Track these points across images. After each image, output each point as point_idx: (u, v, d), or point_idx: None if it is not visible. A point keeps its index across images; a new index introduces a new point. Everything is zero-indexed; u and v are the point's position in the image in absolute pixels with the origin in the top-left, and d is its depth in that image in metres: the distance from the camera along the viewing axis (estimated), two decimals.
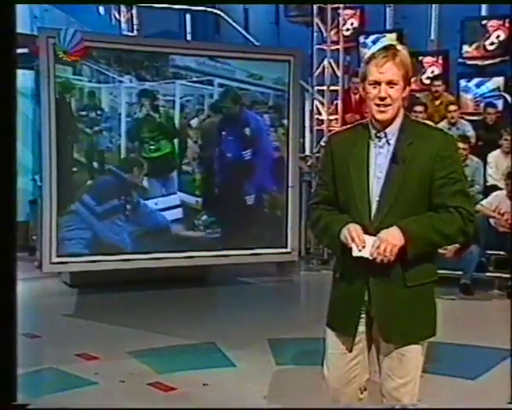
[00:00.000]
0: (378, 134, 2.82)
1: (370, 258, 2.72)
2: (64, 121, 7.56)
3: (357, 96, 9.39)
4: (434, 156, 2.77)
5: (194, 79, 8.18)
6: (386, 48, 2.80)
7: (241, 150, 8.45)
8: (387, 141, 2.82)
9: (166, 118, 8.09)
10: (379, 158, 2.81)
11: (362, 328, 2.91)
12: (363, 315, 2.88)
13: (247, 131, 8.46)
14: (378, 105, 2.76)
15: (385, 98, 2.75)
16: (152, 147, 8.04)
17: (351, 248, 2.76)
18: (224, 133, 8.37)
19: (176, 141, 8.16)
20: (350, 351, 2.93)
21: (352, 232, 2.74)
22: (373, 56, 2.78)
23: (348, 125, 3.16)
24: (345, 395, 3.01)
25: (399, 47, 2.84)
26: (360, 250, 2.72)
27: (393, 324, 2.83)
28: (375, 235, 2.75)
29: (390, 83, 2.75)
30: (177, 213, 8.18)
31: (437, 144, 2.79)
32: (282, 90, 8.57)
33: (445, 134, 2.95)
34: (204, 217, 8.30)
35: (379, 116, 2.78)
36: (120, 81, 7.86)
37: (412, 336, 2.86)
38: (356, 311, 2.87)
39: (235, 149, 8.41)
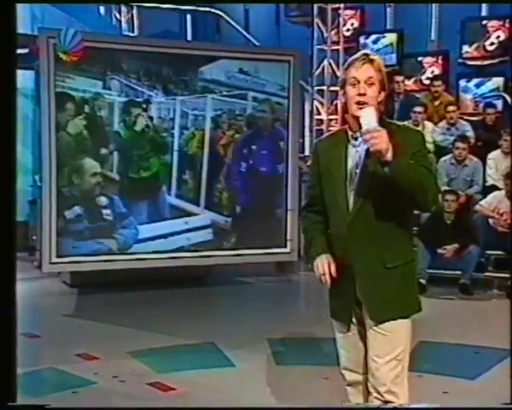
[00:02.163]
0: (354, 135, 3.06)
1: (363, 132, 2.88)
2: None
3: None
4: (402, 150, 2.94)
5: (225, 93, 8.18)
6: (364, 53, 3.06)
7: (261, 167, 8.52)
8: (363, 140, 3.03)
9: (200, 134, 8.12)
10: (356, 156, 3.06)
11: (353, 312, 3.12)
12: (353, 301, 3.09)
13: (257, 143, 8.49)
14: (358, 102, 2.98)
15: (364, 94, 2.97)
16: None
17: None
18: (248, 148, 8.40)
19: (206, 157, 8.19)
20: (353, 334, 3.15)
21: (318, 268, 3.08)
22: (353, 60, 3.04)
23: (331, 132, 3.48)
24: (358, 375, 3.18)
25: (376, 56, 3.08)
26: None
27: (375, 302, 3.04)
28: (352, 230, 3.01)
29: (368, 80, 2.98)
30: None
31: (405, 140, 2.98)
32: None
33: (413, 131, 3.21)
34: (233, 239, 8.35)
35: (358, 113, 2.96)
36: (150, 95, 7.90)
37: (393, 313, 3.04)
38: (346, 297, 3.10)
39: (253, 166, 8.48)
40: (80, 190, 7.67)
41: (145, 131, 7.92)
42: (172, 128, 8.03)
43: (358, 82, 2.98)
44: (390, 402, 3.03)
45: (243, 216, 8.39)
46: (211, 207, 8.26)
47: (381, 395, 3.04)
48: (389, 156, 2.83)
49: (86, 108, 7.66)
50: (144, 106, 7.88)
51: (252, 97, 8.32)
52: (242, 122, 8.34)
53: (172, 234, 8.06)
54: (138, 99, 7.86)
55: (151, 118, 7.93)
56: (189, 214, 8.14)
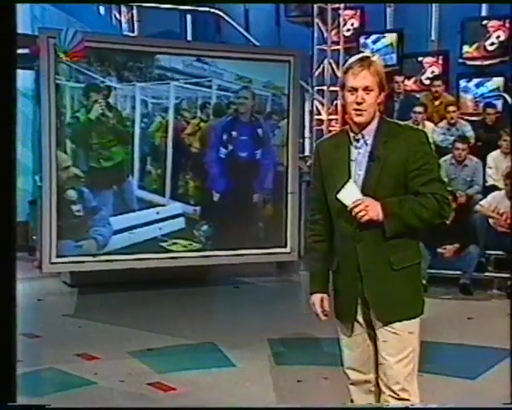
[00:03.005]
0: (356, 137, 3.09)
1: (348, 209, 2.99)
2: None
3: None
4: (407, 151, 3.03)
5: (182, 81, 8.05)
6: (361, 59, 3.05)
7: (241, 153, 8.41)
8: (365, 142, 3.08)
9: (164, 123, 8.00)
10: (358, 157, 3.08)
11: (360, 313, 3.14)
12: (359, 302, 3.12)
13: (247, 134, 8.40)
14: (356, 109, 3.03)
15: (361, 103, 3.01)
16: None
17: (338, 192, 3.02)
18: (224, 136, 8.29)
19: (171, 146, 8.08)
20: (358, 334, 3.16)
21: (313, 307, 3.24)
22: (350, 66, 3.05)
23: (332, 133, 3.54)
24: (362, 374, 3.20)
25: (374, 58, 3.10)
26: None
27: (384, 303, 3.07)
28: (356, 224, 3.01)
29: (366, 89, 3.01)
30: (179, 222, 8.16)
31: (409, 140, 3.05)
32: (274, 94, 8.50)
33: (416, 130, 3.25)
34: (204, 226, 8.27)
35: (357, 119, 3.04)
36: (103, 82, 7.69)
37: (402, 314, 3.07)
38: (353, 298, 3.12)
39: (233, 153, 8.37)
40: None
41: (100, 119, 7.71)
42: (133, 117, 7.85)
43: (356, 90, 3.00)
44: (405, 400, 3.05)
45: (217, 204, 8.30)
46: (177, 198, 8.14)
47: (396, 394, 3.06)
48: (381, 219, 2.95)
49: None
50: (100, 92, 7.67)
51: (217, 85, 8.20)
52: (210, 110, 8.23)
53: (144, 225, 7.94)
54: (95, 85, 7.65)
55: (108, 105, 7.72)
56: (158, 205, 8.02)
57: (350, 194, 2.98)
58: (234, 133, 8.31)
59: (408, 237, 3.06)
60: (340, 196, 2.99)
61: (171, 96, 8.02)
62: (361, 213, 2.95)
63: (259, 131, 8.46)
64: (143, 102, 7.92)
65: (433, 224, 3.09)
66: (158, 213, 8.04)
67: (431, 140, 8.77)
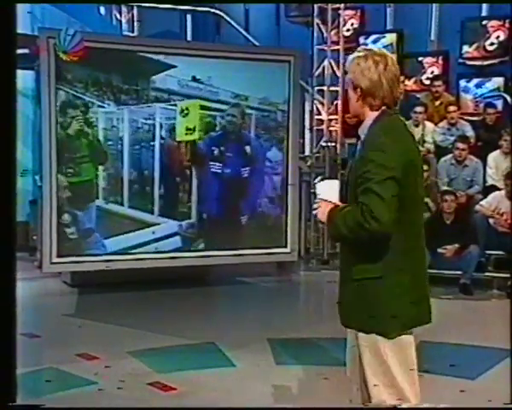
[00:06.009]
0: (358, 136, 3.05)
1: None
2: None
3: None
4: (363, 155, 2.93)
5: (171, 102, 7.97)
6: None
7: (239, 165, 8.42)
8: (361, 141, 3.03)
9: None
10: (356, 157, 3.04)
11: None
12: None
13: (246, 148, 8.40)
14: None
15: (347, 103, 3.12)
16: None
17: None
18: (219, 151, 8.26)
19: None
20: (351, 346, 3.13)
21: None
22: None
23: None
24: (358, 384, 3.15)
25: (350, 56, 3.05)
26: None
27: (345, 309, 3.06)
28: None
29: (346, 90, 3.12)
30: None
31: (367, 144, 2.94)
32: (268, 110, 8.45)
33: (377, 136, 2.92)
34: (201, 245, 8.25)
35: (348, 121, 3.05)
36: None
37: (354, 323, 3.03)
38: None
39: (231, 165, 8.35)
40: None
41: (79, 135, 7.62)
42: (121, 137, 7.81)
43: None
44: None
45: (208, 221, 8.24)
46: (166, 215, 8.06)
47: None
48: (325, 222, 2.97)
49: None
50: (82, 110, 7.62)
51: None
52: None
53: (139, 246, 7.93)
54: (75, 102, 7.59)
55: (89, 123, 7.66)
56: (143, 224, 7.94)
57: (327, 190, 3.00)
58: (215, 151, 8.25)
59: (372, 249, 2.90)
60: (318, 185, 3.03)
61: (157, 117, 7.94)
62: (315, 212, 3.03)
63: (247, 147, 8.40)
64: (134, 122, 7.85)
65: (361, 237, 2.84)
66: (154, 232, 7.99)
67: (431, 140, 8.92)
